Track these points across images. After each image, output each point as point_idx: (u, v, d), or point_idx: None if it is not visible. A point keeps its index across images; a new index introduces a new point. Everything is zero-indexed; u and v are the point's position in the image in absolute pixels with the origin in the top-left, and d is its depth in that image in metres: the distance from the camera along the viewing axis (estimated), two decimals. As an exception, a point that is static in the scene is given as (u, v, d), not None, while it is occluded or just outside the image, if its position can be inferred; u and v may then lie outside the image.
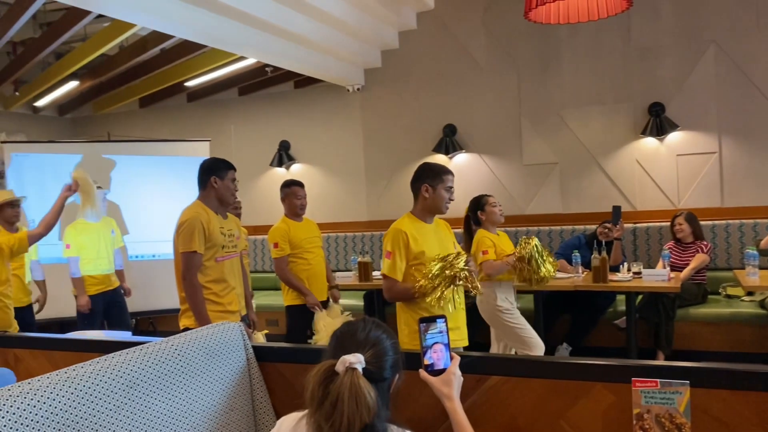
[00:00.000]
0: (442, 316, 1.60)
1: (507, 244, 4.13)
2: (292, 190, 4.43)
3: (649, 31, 5.66)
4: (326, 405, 1.27)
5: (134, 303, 5.56)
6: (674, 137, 5.64)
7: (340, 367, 1.29)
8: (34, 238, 4.11)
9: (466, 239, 4.16)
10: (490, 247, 3.92)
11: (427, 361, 1.56)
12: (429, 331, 1.57)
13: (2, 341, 2.32)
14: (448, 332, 1.59)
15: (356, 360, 1.30)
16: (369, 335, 1.38)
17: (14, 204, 4.41)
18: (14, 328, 3.93)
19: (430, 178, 2.96)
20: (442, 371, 1.56)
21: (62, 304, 5.53)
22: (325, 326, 4.13)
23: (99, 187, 5.13)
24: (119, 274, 5.29)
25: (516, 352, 4.01)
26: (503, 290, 3.96)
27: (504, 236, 4.20)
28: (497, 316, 3.96)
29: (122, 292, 5.26)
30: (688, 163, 5.63)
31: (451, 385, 1.54)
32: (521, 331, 3.92)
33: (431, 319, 1.59)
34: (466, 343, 3.05)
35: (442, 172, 2.98)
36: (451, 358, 1.58)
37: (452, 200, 3.00)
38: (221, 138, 7.39)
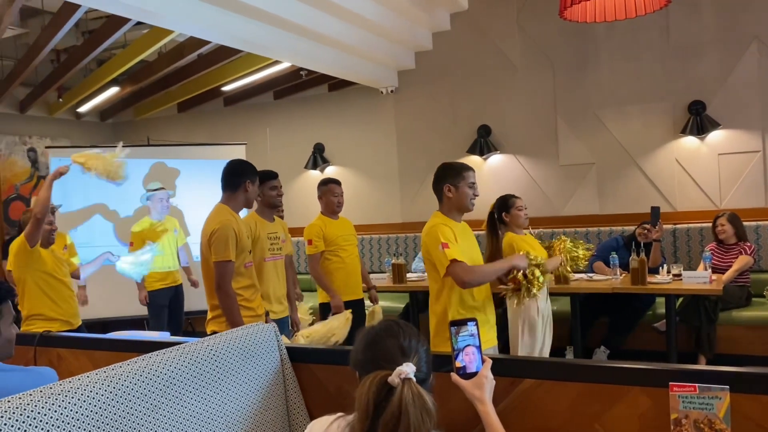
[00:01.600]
0: (473, 319, 1.59)
1: (535, 244, 3.94)
2: (329, 187, 4.47)
3: (688, 28, 5.53)
4: (386, 418, 1.25)
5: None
6: (716, 136, 5.50)
7: (395, 379, 1.28)
8: (33, 227, 3.78)
9: (490, 237, 3.93)
10: (528, 250, 3.79)
11: (459, 364, 1.55)
12: (460, 334, 1.56)
13: (45, 341, 2.39)
14: (479, 335, 1.58)
15: (411, 370, 1.29)
16: (411, 341, 1.37)
17: (51, 210, 4.49)
18: (78, 321, 4.03)
19: (450, 177, 2.89)
20: (474, 374, 1.54)
21: (105, 305, 5.67)
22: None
23: (162, 188, 5.37)
24: (186, 270, 5.52)
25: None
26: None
27: (530, 237, 4.05)
28: (518, 312, 3.77)
29: (182, 290, 5.44)
30: (730, 163, 5.48)
31: (483, 389, 1.53)
32: (526, 343, 3.73)
33: (462, 322, 1.57)
34: (494, 342, 2.99)
35: (462, 169, 2.91)
36: (483, 361, 1.57)
37: (477, 195, 2.92)
38: (257, 141, 7.48)
